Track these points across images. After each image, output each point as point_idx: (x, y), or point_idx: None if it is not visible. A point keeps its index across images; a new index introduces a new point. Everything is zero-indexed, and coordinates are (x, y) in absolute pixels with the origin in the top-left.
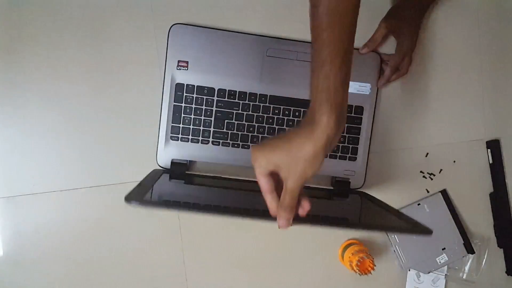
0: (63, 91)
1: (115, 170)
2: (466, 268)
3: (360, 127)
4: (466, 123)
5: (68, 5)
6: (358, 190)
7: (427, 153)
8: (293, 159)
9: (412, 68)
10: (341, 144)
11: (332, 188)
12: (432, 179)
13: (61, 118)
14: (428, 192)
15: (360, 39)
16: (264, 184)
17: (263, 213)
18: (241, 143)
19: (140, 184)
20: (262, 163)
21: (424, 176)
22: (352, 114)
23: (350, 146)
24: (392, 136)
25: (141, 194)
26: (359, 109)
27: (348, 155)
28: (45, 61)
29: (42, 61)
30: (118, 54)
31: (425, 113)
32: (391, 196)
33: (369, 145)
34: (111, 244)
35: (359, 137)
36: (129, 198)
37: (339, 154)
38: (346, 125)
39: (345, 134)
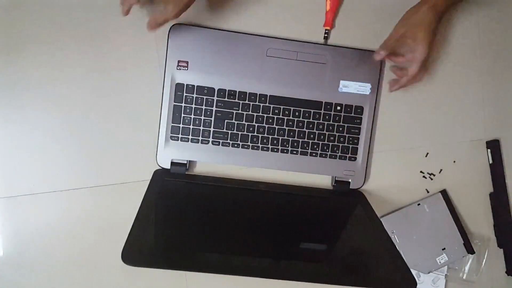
0: (63, 91)
1: (115, 170)
2: (466, 268)
3: (360, 127)
4: (466, 123)
5: (68, 5)
6: (357, 190)
7: (427, 153)
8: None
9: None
10: (341, 144)
11: (331, 189)
12: (432, 179)
13: (61, 118)
14: (428, 192)
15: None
16: None
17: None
18: (241, 143)
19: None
20: None
21: (424, 176)
22: (352, 114)
23: (350, 146)
24: (392, 136)
25: (137, 249)
26: (359, 109)
27: (348, 155)
28: (44, 61)
29: (42, 61)
30: (118, 54)
31: (425, 113)
32: (391, 196)
33: (369, 145)
34: (111, 244)
35: (359, 137)
36: (126, 258)
37: (339, 154)
38: (346, 125)
39: (345, 134)
